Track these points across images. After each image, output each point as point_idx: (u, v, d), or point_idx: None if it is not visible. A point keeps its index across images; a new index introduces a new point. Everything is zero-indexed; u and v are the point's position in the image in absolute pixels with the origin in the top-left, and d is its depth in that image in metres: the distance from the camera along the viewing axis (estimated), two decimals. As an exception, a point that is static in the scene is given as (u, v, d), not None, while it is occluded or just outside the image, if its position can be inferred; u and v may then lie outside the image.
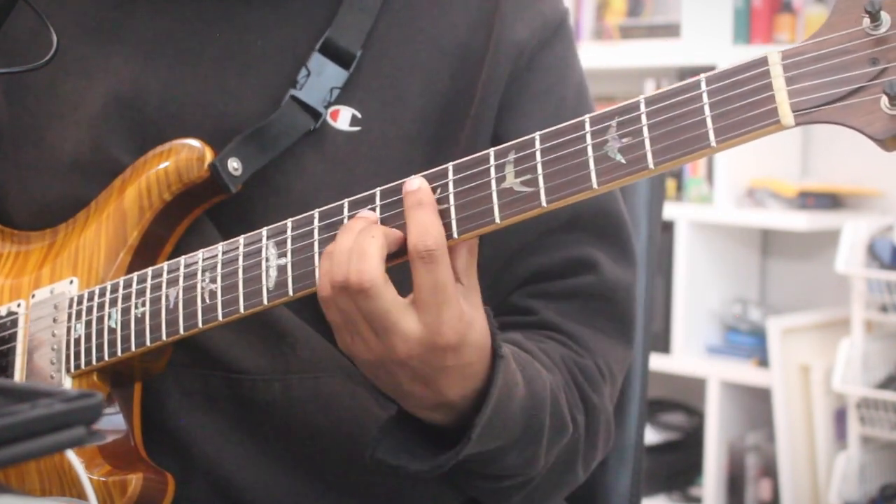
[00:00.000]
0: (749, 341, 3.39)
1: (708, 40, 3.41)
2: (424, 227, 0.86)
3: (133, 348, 1.00)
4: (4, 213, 1.14)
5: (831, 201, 3.37)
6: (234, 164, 1.02)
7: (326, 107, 1.05)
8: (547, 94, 1.10)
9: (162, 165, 1.04)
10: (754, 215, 3.36)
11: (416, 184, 0.88)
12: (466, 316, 0.88)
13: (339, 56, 1.05)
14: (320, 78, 1.05)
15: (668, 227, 3.36)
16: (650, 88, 3.63)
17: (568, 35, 1.13)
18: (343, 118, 1.05)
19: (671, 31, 3.55)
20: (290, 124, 1.04)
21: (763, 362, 3.28)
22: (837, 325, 3.24)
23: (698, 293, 3.43)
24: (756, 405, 3.42)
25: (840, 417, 3.19)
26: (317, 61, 1.05)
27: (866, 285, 3.04)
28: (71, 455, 0.97)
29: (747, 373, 3.33)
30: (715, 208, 3.39)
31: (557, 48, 1.11)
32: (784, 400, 3.16)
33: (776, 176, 3.32)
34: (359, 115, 1.06)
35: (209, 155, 1.03)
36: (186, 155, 1.03)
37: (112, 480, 0.99)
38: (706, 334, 3.46)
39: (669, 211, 3.33)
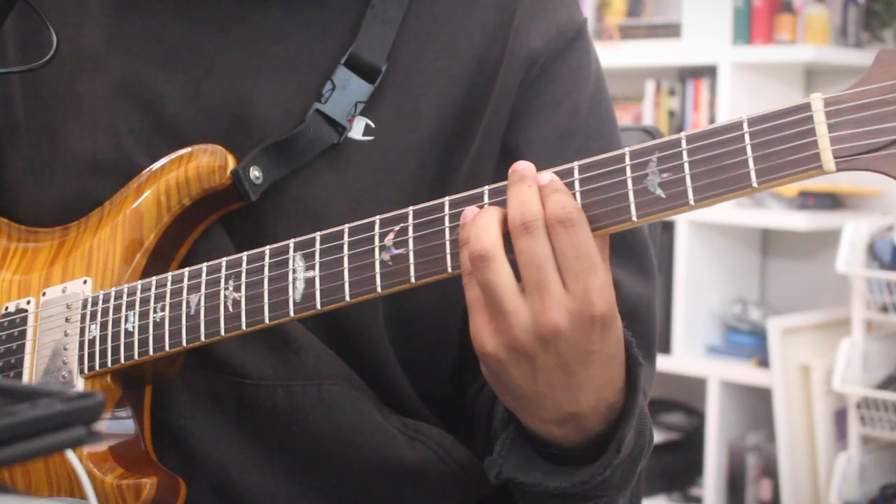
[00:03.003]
0: (749, 341, 3.39)
1: (708, 40, 3.41)
2: (559, 197, 0.85)
3: (151, 352, 1.00)
4: (14, 210, 1.14)
5: (831, 201, 3.37)
6: (255, 173, 1.03)
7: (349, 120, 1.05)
8: (559, 103, 1.09)
9: (182, 170, 1.04)
10: (754, 215, 3.36)
11: (548, 176, 0.86)
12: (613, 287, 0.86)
13: (364, 70, 1.05)
14: (345, 92, 1.05)
15: (668, 227, 3.36)
16: (650, 88, 3.63)
17: (584, 44, 1.13)
18: (356, 128, 1.05)
19: (671, 31, 3.55)
20: (314, 138, 1.04)
21: (763, 362, 3.28)
22: (837, 325, 3.24)
23: (698, 293, 3.43)
24: (756, 405, 3.43)
25: (840, 417, 3.19)
26: (342, 75, 1.05)
27: (866, 285, 3.04)
28: (71, 455, 0.97)
29: (747, 373, 3.33)
30: (715, 208, 3.39)
31: (572, 57, 1.11)
32: (784, 400, 3.17)
33: (776, 176, 3.32)
34: (372, 125, 1.06)
35: (231, 162, 1.03)
36: (208, 161, 1.03)
37: (126, 484, 0.98)
38: (706, 334, 3.46)
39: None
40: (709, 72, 3.46)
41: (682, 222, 3.40)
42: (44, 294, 1.07)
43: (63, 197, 1.09)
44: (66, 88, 1.10)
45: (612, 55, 3.52)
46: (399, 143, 1.05)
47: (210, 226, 1.05)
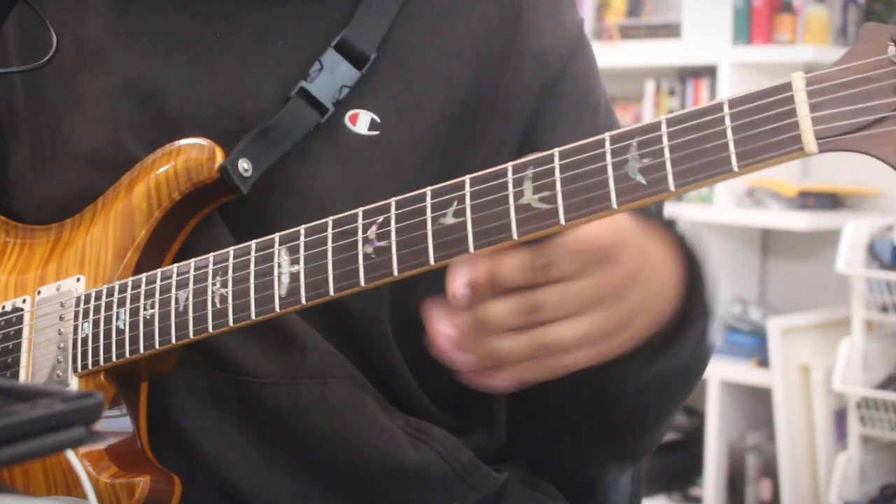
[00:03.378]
0: (749, 341, 3.39)
1: (708, 40, 3.41)
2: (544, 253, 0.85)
3: (141, 350, 0.99)
4: (16, 205, 1.14)
5: (831, 201, 3.37)
6: (244, 165, 1.02)
7: (336, 104, 1.05)
8: (581, 103, 1.11)
9: (171, 165, 1.03)
10: (754, 215, 3.36)
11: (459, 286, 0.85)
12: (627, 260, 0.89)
13: (352, 56, 1.05)
14: (332, 74, 1.04)
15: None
16: (650, 88, 3.63)
17: (588, 43, 1.15)
18: (362, 122, 1.05)
19: (671, 31, 3.55)
20: (296, 120, 1.03)
21: (763, 362, 3.28)
22: (837, 325, 3.24)
23: (698, 293, 3.43)
24: (756, 405, 3.43)
25: (840, 417, 3.19)
26: (331, 57, 1.05)
27: (866, 285, 3.04)
28: (70, 455, 0.97)
29: (747, 373, 3.33)
30: (715, 208, 3.39)
31: (582, 57, 1.12)
32: (784, 400, 3.17)
33: (776, 176, 3.32)
34: (378, 120, 1.05)
35: (220, 156, 1.02)
36: (196, 155, 1.03)
37: (119, 482, 0.98)
38: (706, 334, 3.46)
39: (669, 211, 3.32)
40: (709, 72, 3.46)
41: (682, 222, 3.39)
42: (39, 292, 1.06)
43: (63, 192, 1.09)
44: (68, 84, 1.10)
45: (612, 55, 3.52)
46: (403, 139, 1.05)
47: (212, 221, 1.05)
